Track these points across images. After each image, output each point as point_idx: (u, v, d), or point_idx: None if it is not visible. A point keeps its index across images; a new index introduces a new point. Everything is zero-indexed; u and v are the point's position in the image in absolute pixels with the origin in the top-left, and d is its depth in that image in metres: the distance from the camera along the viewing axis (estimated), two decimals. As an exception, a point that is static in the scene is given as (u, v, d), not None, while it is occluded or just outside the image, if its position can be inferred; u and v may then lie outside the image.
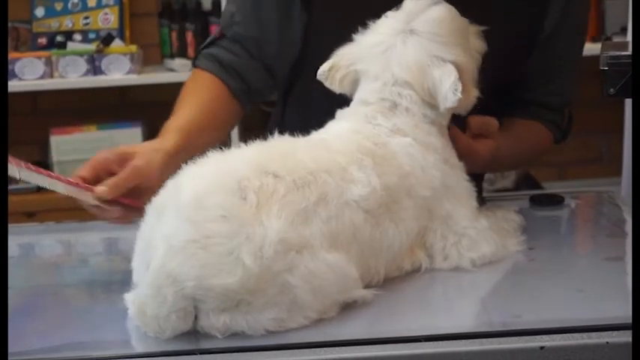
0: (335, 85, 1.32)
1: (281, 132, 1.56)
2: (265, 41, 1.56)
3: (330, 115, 1.32)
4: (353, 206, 1.13)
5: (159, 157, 1.37)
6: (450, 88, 1.25)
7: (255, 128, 1.93)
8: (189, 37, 3.05)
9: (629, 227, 1.50)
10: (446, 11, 1.31)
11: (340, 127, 1.27)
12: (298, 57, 1.57)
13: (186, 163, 1.16)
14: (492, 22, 1.46)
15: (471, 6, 1.46)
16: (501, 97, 1.55)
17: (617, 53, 1.41)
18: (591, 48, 2.90)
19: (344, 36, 1.36)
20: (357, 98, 1.30)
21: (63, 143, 2.95)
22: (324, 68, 1.31)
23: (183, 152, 1.38)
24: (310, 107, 1.59)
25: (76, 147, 2.97)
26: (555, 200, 1.60)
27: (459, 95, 1.26)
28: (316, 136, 1.26)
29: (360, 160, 1.17)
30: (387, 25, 1.30)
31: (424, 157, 1.25)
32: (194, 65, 1.65)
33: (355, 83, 1.31)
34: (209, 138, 1.50)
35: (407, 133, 1.25)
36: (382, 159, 1.20)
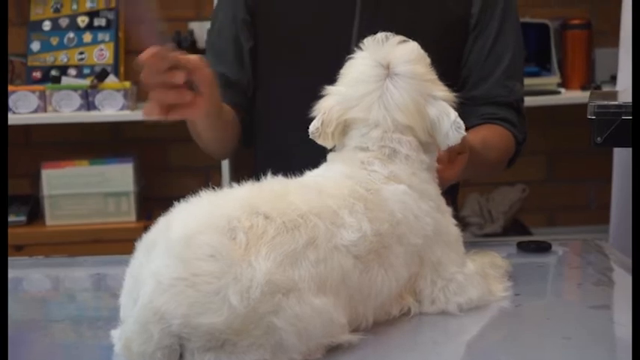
0: (328, 141, 1.31)
1: (256, 170, 1.69)
2: (230, 72, 1.73)
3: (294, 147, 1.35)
4: (342, 251, 1.13)
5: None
6: (453, 127, 1.28)
7: (245, 168, 1.96)
8: (185, 74, 3.06)
9: (615, 275, 1.51)
10: (414, 48, 1.32)
11: (333, 170, 1.27)
12: (253, 87, 1.74)
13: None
14: (426, 14, 1.61)
15: (414, 1, 1.54)
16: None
17: (605, 103, 1.43)
18: (580, 96, 2.97)
19: (289, 65, 1.51)
20: (352, 145, 1.29)
21: (54, 177, 2.94)
22: (314, 126, 1.30)
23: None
24: (278, 146, 1.72)
25: (67, 181, 2.96)
26: (542, 247, 1.61)
27: (463, 132, 1.28)
28: (309, 178, 1.27)
29: (351, 205, 1.18)
30: (365, 72, 1.29)
31: (418, 205, 1.25)
32: None
33: (344, 132, 1.30)
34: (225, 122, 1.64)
35: (403, 180, 1.25)
36: (374, 205, 1.20)
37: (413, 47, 1.32)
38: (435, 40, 1.58)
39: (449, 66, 1.68)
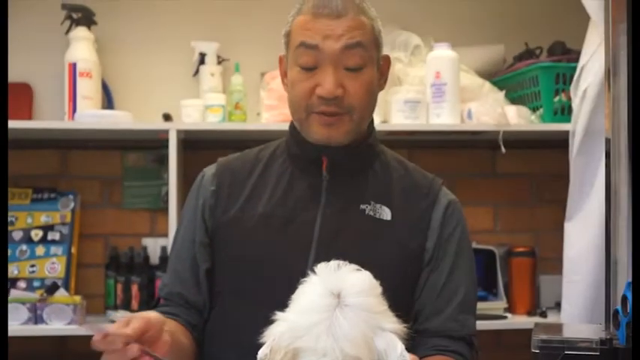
0: None
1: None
2: (188, 293, 1.79)
3: None
4: None
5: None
6: (399, 359, 1.30)
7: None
8: (135, 289, 3.08)
9: None
10: (366, 278, 1.36)
11: None
12: (209, 308, 1.79)
13: None
14: (382, 249, 1.69)
15: (365, 232, 1.69)
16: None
17: (548, 337, 1.47)
18: (526, 322, 3.02)
19: (241, 291, 1.64)
20: None
21: (-5, 391, 2.88)
22: (263, 352, 1.31)
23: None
24: None
25: (8, 396, 2.90)
26: None
27: None
28: None
29: None
30: (316, 301, 1.31)
31: None
32: None
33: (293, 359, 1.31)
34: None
35: None
36: None
37: (365, 277, 1.36)
38: (390, 273, 1.62)
39: (402, 298, 1.72)
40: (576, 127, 2.72)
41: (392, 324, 1.33)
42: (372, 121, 1.84)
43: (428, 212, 1.79)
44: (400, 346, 1.31)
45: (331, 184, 1.77)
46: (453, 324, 1.76)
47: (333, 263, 1.36)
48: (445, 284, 1.77)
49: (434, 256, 1.77)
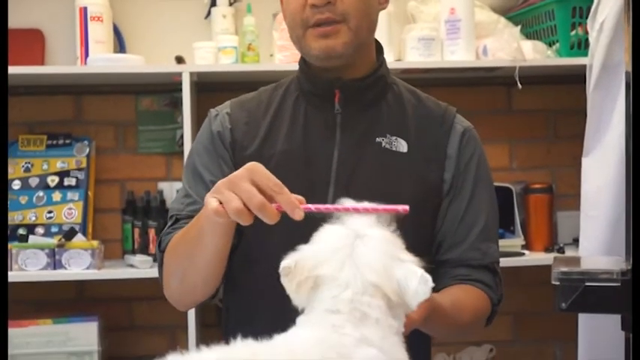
0: (291, 289, 1.31)
1: (226, 322, 1.67)
2: None
3: (270, 300, 1.33)
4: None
5: None
6: (420, 282, 1.29)
7: (212, 325, 1.95)
8: (152, 234, 3.09)
9: None
10: (381, 222, 1.35)
11: (304, 334, 1.27)
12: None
13: None
14: (401, 183, 1.68)
15: (382, 166, 1.68)
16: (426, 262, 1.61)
17: (568, 270, 1.46)
18: (543, 258, 3.01)
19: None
20: (322, 308, 1.29)
21: (16, 337, 2.91)
22: (287, 264, 1.30)
23: None
24: (250, 292, 1.73)
25: (30, 340, 2.93)
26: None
27: (431, 284, 1.30)
28: (279, 342, 1.26)
29: (321, 369, 1.17)
30: (335, 234, 1.31)
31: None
32: (161, 250, 1.73)
33: (313, 290, 1.30)
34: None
35: (374, 344, 1.26)
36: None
37: (380, 220, 1.35)
38: (412, 205, 1.62)
39: (423, 231, 1.73)
40: (593, 60, 2.68)
41: (409, 257, 1.33)
42: (381, 52, 1.82)
43: (444, 141, 1.78)
44: (420, 270, 1.31)
45: (345, 118, 1.75)
46: (475, 253, 1.75)
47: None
48: (465, 213, 1.76)
49: (453, 186, 1.76)
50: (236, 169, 1.72)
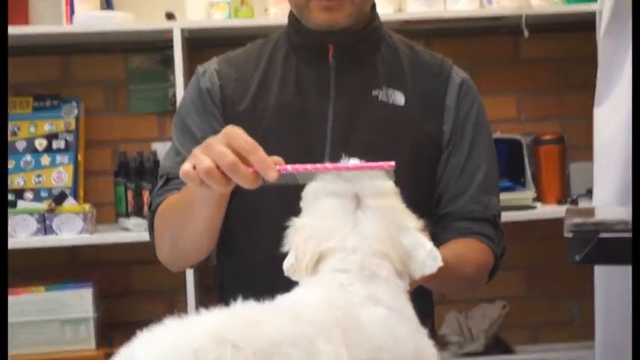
0: (301, 274, 1.29)
1: (222, 287, 1.66)
2: None
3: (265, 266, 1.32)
4: (318, 380, 1.11)
5: None
6: (429, 257, 1.29)
7: (212, 288, 1.95)
8: (146, 196, 3.07)
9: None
10: (381, 179, 1.32)
11: (309, 294, 1.26)
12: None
13: None
14: (400, 136, 1.67)
15: (380, 119, 1.68)
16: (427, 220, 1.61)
17: (582, 221, 1.44)
18: (556, 210, 3.00)
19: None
20: (329, 268, 1.27)
21: (10, 305, 2.90)
22: (289, 262, 1.29)
23: None
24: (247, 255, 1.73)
25: (24, 309, 2.93)
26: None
27: (440, 263, 1.29)
28: (282, 302, 1.25)
29: (328, 332, 1.15)
30: (334, 206, 1.29)
31: (398, 328, 1.23)
32: (152, 211, 1.72)
33: (319, 261, 1.29)
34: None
35: (383, 303, 1.24)
36: (352, 330, 1.18)
37: (379, 177, 1.33)
38: (410, 159, 1.65)
39: (423, 184, 1.73)
40: (603, 6, 2.65)
41: (414, 222, 1.31)
42: (374, 5, 1.80)
43: (441, 93, 1.77)
44: (429, 244, 1.30)
45: (339, 72, 1.74)
46: (476, 205, 1.76)
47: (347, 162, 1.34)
48: (465, 165, 1.76)
49: (452, 138, 1.76)
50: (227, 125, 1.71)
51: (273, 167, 1.29)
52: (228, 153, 1.29)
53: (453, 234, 1.73)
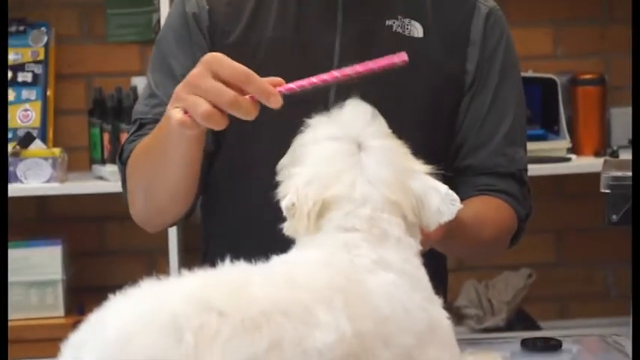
0: (302, 222, 1.28)
1: (207, 246, 1.68)
2: None
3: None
4: (314, 356, 1.11)
5: None
6: (445, 201, 1.30)
7: (197, 249, 1.96)
8: (124, 138, 3.07)
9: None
10: (380, 121, 1.34)
11: (307, 255, 1.26)
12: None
13: None
14: (416, 73, 1.62)
15: (394, 54, 1.60)
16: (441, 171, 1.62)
17: (621, 174, 1.45)
18: (594, 164, 3.00)
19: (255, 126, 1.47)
20: (332, 226, 1.27)
21: (-32, 264, 2.93)
22: (290, 200, 1.28)
23: None
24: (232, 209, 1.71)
25: (-18, 268, 2.95)
26: (551, 345, 1.61)
27: (459, 205, 1.30)
28: (276, 265, 1.25)
29: (328, 299, 1.16)
30: (333, 148, 1.30)
31: (409, 296, 1.24)
32: (123, 162, 1.73)
33: (321, 214, 1.29)
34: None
35: (393, 267, 1.25)
36: (356, 299, 1.18)
37: (378, 119, 1.34)
38: (426, 103, 1.65)
39: (441, 132, 1.72)
40: None
41: (421, 166, 1.32)
42: None
43: (466, 24, 1.76)
44: (443, 187, 1.31)
45: None
46: (500, 158, 1.74)
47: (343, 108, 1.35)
48: (489, 110, 1.75)
49: (476, 78, 1.75)
50: None
51: (275, 93, 1.30)
52: (223, 88, 1.29)
53: (472, 190, 1.72)
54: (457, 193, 1.32)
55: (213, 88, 1.30)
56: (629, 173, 1.47)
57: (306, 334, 1.12)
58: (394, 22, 1.73)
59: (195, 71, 1.34)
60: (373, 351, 1.17)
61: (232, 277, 1.17)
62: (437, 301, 1.31)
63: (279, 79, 1.32)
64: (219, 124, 1.31)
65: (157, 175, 1.59)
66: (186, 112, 1.32)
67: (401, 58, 1.31)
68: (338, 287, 1.18)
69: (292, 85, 1.31)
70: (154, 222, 1.75)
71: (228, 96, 1.29)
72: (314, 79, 1.32)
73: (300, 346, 1.11)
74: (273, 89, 1.30)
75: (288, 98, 1.35)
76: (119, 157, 1.75)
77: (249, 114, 1.30)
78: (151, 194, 1.64)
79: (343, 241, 1.26)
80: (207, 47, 1.74)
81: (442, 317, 1.31)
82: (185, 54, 1.74)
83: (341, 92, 1.62)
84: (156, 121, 1.66)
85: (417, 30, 1.74)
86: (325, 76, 1.32)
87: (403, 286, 1.24)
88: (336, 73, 1.32)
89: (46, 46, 3.16)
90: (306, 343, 1.11)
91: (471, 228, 1.57)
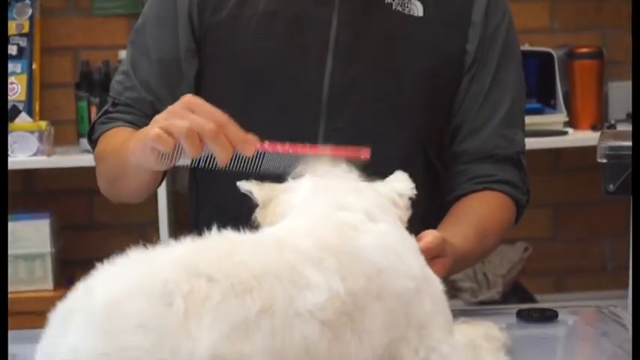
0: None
1: (197, 221, 1.70)
2: (159, 101, 1.70)
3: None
4: (305, 317, 1.12)
5: None
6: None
7: (188, 223, 1.96)
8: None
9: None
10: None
11: (298, 221, 1.28)
12: None
13: None
14: (413, 52, 1.68)
15: (392, 32, 1.69)
16: (438, 158, 1.61)
17: (618, 144, 1.45)
18: (591, 137, 3.01)
19: (235, 85, 1.58)
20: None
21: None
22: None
23: None
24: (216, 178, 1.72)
25: (-31, 243, 2.95)
26: (547, 316, 1.61)
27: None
28: (265, 232, 1.26)
29: (319, 261, 1.17)
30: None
31: (403, 241, 1.27)
32: (92, 141, 1.77)
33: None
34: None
35: (382, 219, 1.27)
36: (349, 257, 1.19)
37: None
38: (424, 84, 1.65)
39: (439, 114, 1.72)
40: None
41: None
42: None
43: (468, 4, 1.74)
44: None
45: None
46: (499, 140, 1.74)
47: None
48: (489, 92, 1.74)
49: (476, 60, 1.73)
50: (202, 40, 1.71)
51: (251, 141, 1.32)
52: (207, 121, 1.31)
53: (470, 185, 1.72)
54: (454, 189, 1.33)
55: (196, 118, 1.32)
56: (626, 143, 1.48)
57: (297, 296, 1.12)
58: (394, 0, 1.72)
59: (175, 106, 1.36)
60: (365, 308, 1.18)
61: (221, 244, 1.17)
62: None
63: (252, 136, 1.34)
64: (195, 147, 1.32)
65: (119, 179, 1.65)
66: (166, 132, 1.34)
67: (365, 154, 1.34)
68: (329, 248, 1.19)
69: (266, 145, 1.34)
70: (118, 201, 1.80)
71: (210, 126, 1.31)
72: (286, 146, 1.34)
73: (291, 307, 1.11)
74: (249, 137, 1.32)
75: (281, 78, 1.38)
76: (89, 135, 1.77)
77: (225, 151, 1.32)
78: (114, 187, 1.70)
79: (335, 199, 1.29)
80: (197, 24, 1.73)
81: (434, 276, 1.31)
82: (164, 35, 1.74)
83: (338, 68, 1.64)
84: (127, 104, 1.73)
85: (417, 9, 1.73)
86: (296, 147, 1.35)
87: (395, 234, 1.26)
88: (305, 148, 1.35)
89: (31, 18, 3.15)
90: (297, 304, 1.12)
91: (475, 247, 1.59)
